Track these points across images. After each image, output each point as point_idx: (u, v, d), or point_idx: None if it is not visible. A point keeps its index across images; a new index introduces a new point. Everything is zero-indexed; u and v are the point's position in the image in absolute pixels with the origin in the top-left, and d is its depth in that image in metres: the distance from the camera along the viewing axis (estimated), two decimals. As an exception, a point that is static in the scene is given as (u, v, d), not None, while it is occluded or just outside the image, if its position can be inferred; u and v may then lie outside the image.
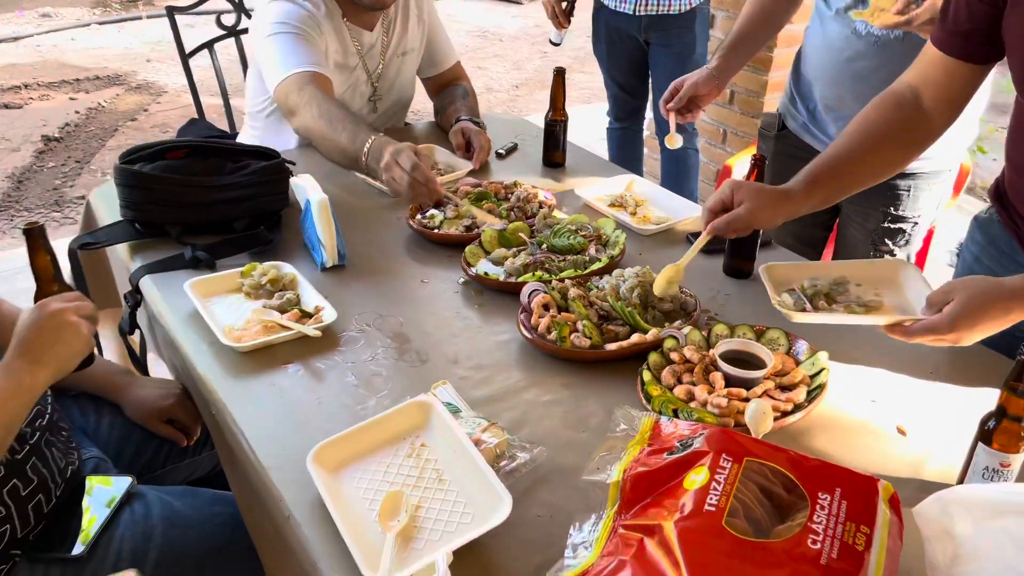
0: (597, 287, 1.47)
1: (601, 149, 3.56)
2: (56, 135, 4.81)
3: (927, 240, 2.91)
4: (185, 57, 2.41)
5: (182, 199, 1.62)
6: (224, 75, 2.51)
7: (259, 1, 1.94)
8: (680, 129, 3.22)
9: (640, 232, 1.74)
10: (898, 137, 1.34)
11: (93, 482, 1.34)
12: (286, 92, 1.82)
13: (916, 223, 1.86)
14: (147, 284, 1.53)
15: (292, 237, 1.68)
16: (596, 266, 1.54)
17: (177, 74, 2.51)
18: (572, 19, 3.17)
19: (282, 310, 1.42)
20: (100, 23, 6.79)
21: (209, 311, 1.41)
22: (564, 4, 3.11)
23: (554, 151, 2.06)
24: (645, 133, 3.53)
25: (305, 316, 1.40)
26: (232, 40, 2.49)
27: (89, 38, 6.52)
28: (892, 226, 1.86)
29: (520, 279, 1.50)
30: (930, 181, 1.82)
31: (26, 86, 5.50)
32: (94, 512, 1.29)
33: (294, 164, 1.82)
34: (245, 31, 2.49)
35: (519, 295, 1.42)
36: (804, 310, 1.31)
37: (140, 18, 6.92)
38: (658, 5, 2.99)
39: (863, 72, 1.70)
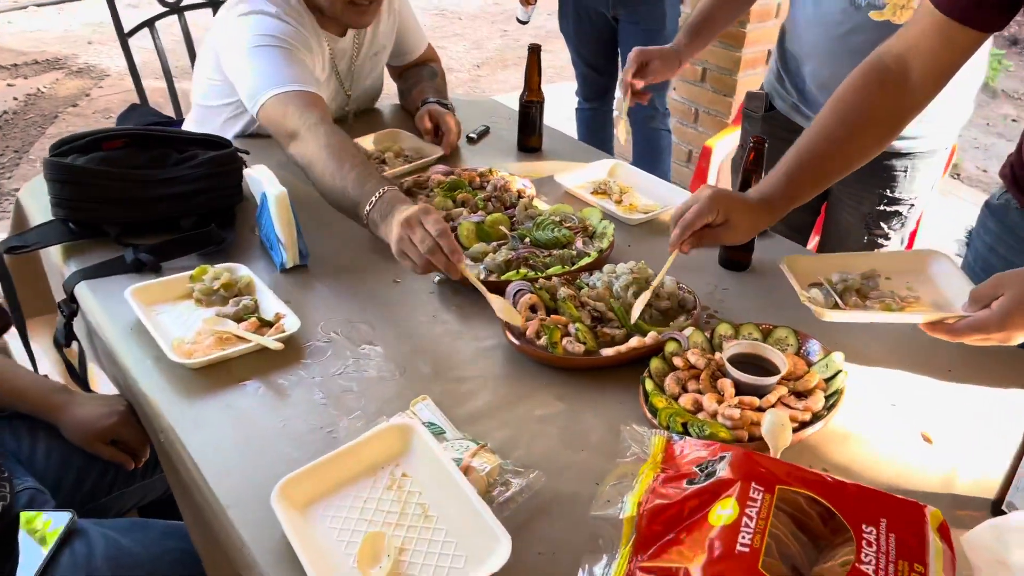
0: (588, 285, 1.34)
1: (570, 130, 3.43)
2: (-9, 123, 4.52)
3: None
4: (124, 37, 2.22)
5: (121, 195, 1.45)
6: (168, 57, 2.32)
7: (229, 10, 1.70)
8: (650, 108, 3.12)
9: (627, 222, 1.61)
10: (880, 120, 1.24)
11: (28, 518, 1.18)
12: (282, 112, 1.52)
13: (912, 204, 1.77)
14: (83, 291, 1.36)
15: (247, 235, 1.52)
16: (585, 261, 1.41)
17: (120, 56, 2.36)
18: None
19: (238, 318, 1.27)
20: (38, 5, 6.42)
21: (154, 321, 1.25)
22: None
23: (530, 135, 1.92)
24: (615, 113, 3.40)
25: (264, 325, 1.25)
26: (175, 18, 2.30)
27: (27, 21, 6.16)
28: (888, 209, 1.76)
29: (503, 277, 1.37)
30: (927, 160, 1.72)
31: (-42, 71, 5.18)
32: (29, 554, 1.14)
33: (248, 153, 1.66)
34: (190, 8, 2.31)
35: (502, 295, 1.29)
36: (836, 307, 1.20)
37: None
38: (628, -21, 2.86)
39: (862, 47, 1.57)
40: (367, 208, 1.35)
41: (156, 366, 1.19)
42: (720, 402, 1.08)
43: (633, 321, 1.24)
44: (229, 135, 1.89)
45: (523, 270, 1.38)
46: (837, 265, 1.30)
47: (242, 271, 1.37)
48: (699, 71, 3.39)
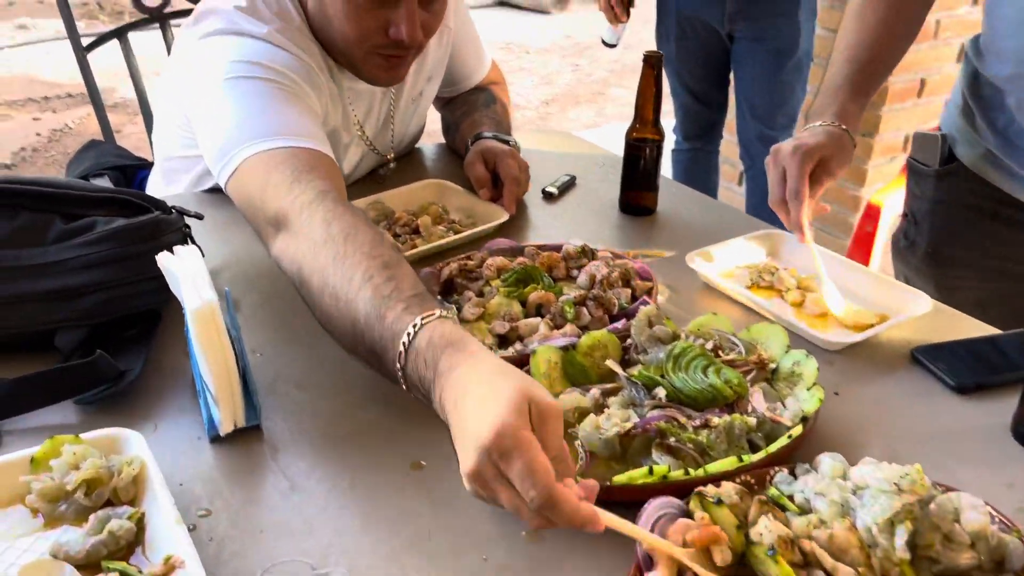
0: (793, 503, 0.67)
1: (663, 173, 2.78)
2: (7, 162, 4.10)
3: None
4: (82, 52, 1.67)
5: (-45, 294, 0.84)
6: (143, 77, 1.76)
7: (193, 27, 1.10)
8: (768, 146, 2.43)
9: (825, 346, 0.94)
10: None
11: None
12: (263, 182, 0.93)
13: None
14: None
15: (170, 365, 0.89)
16: (779, 445, 0.73)
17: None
18: (631, 11, 2.41)
19: (101, 558, 0.63)
20: (83, 36, 6.12)
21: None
22: None
23: (642, 189, 1.27)
24: (721, 157, 2.73)
25: (141, 587, 0.61)
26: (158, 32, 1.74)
27: (67, 52, 5.85)
28: None
29: (618, 480, 0.70)
30: None
31: (-16, 105, 4.83)
32: None
33: (200, 218, 1.04)
34: (176, 15, 1.74)
35: (623, 506, 0.62)
36: None
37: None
38: (750, -14, 2.21)
39: None
40: (398, 364, 0.71)
41: None
42: None
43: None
44: (201, 187, 1.29)
45: (661, 464, 0.71)
46: None
47: (133, 446, 0.73)
48: (829, 104, 2.70)
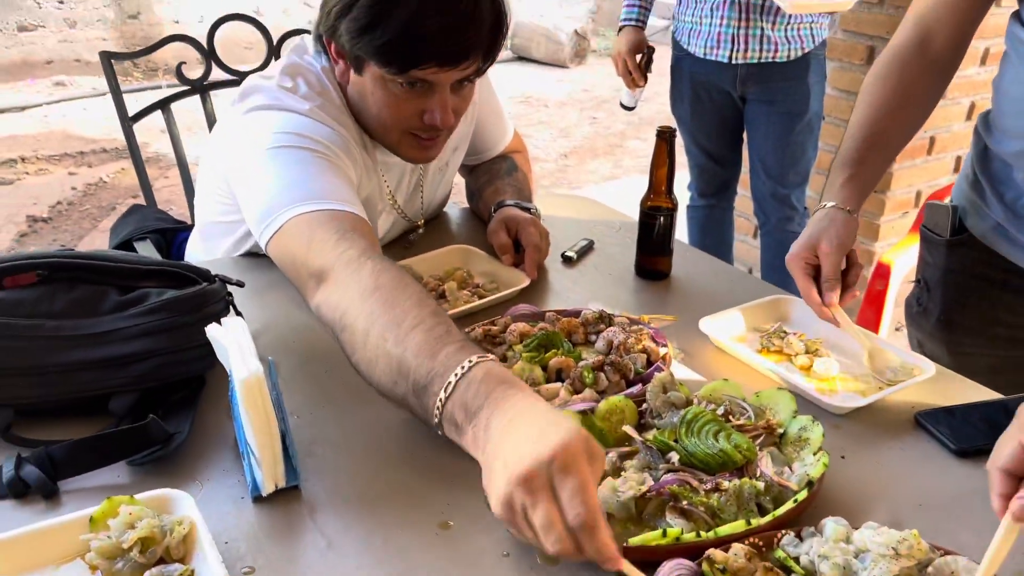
0: (798, 565, 0.71)
1: (679, 230, 2.84)
2: (45, 215, 4.24)
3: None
4: (128, 122, 1.76)
5: (20, 362, 0.91)
6: (184, 143, 1.86)
7: (239, 103, 1.19)
8: (787, 207, 2.50)
9: (831, 410, 0.98)
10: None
11: None
12: (307, 241, 0.99)
13: None
14: (-72, 530, 0.81)
15: (214, 427, 0.95)
16: (785, 508, 0.78)
17: (194, 144, 2.10)
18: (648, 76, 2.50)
19: (153, 615, 0.69)
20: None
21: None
22: (641, 57, 2.43)
23: (656, 254, 1.33)
24: (736, 212, 2.80)
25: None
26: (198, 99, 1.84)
27: (102, 108, 6.04)
28: None
29: (635, 541, 0.75)
30: None
31: (23, 159, 4.99)
32: None
33: (242, 286, 1.11)
34: (215, 86, 1.85)
35: (644, 568, 0.68)
36: None
37: (160, 87, 6.47)
38: (760, 51, 2.29)
39: None
40: (441, 396, 0.77)
41: None
42: None
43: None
44: (239, 251, 1.37)
45: (675, 527, 0.75)
46: None
47: (183, 507, 0.79)
48: (841, 161, 2.76)
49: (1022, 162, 1.12)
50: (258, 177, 1.10)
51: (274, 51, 1.85)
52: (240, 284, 1.11)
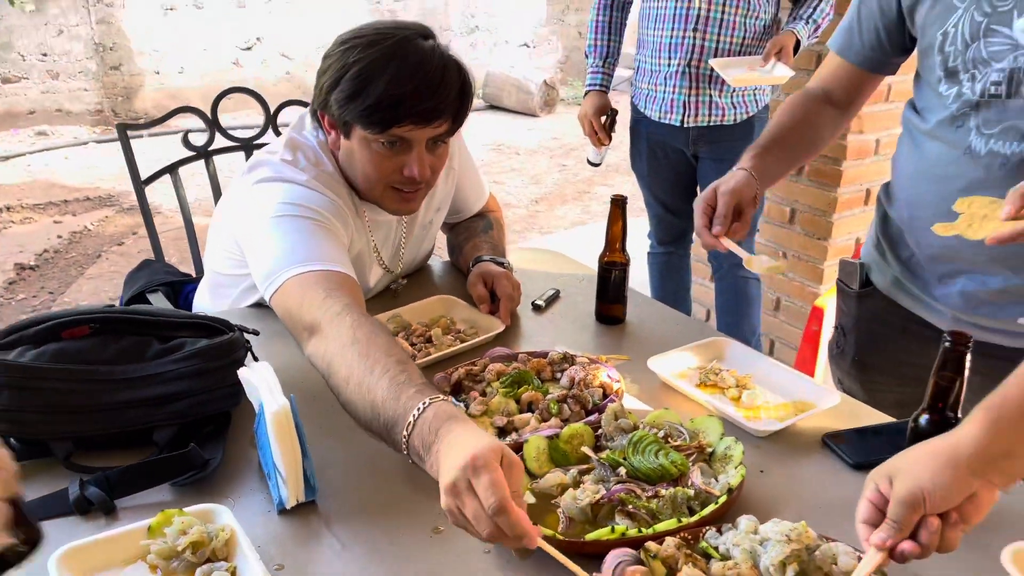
0: (718, 552, 0.91)
1: (639, 274, 3.06)
2: (32, 263, 4.37)
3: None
4: (140, 185, 1.95)
5: (79, 402, 1.09)
6: (190, 199, 2.05)
7: (248, 175, 1.39)
8: (736, 255, 2.73)
9: (756, 433, 1.19)
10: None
11: None
12: (300, 298, 1.19)
13: None
14: (7, 542, 0.98)
15: (240, 454, 1.13)
16: (710, 510, 0.98)
17: (168, 190, 2.23)
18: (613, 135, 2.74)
19: (206, 602, 0.86)
20: (98, 142, 6.50)
21: (84, 608, 0.85)
22: (605, 119, 2.67)
23: (611, 303, 1.54)
24: (693, 258, 3.03)
25: (240, 620, 0.84)
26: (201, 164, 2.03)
27: (85, 157, 6.21)
28: None
29: (590, 536, 0.94)
30: None
31: (8, 208, 5.12)
32: None
33: (257, 334, 1.30)
34: (219, 152, 2.04)
35: (592, 557, 0.86)
36: None
37: (142, 136, 6.64)
38: (709, 115, 2.55)
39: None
40: (404, 433, 0.96)
41: None
42: None
43: None
44: (246, 303, 1.55)
45: (621, 525, 0.95)
46: None
47: (223, 518, 0.97)
48: (788, 212, 3.02)
49: (912, 226, 1.34)
50: (263, 241, 1.30)
51: (271, 119, 2.06)
52: (256, 333, 1.30)
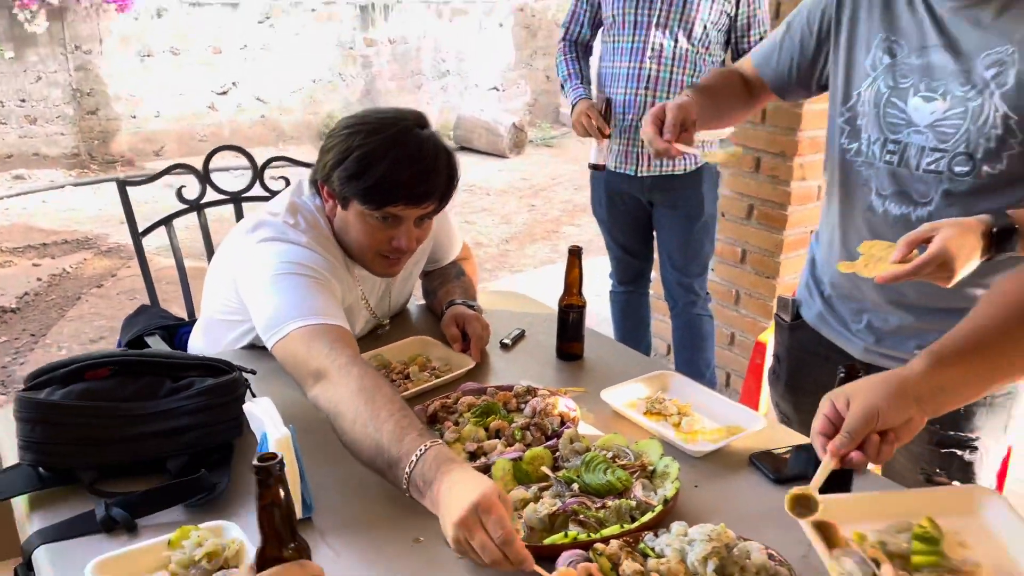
0: (654, 551, 1.09)
1: (603, 311, 3.27)
2: (13, 306, 4.47)
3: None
4: (137, 236, 2.11)
5: (103, 435, 1.24)
6: (184, 246, 2.21)
7: (249, 235, 1.55)
8: (691, 293, 2.94)
9: (691, 454, 1.37)
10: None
11: None
12: (307, 348, 1.34)
13: (975, 447, 1.46)
14: (42, 558, 1.13)
15: (244, 478, 1.29)
16: (648, 517, 1.16)
17: (153, 235, 2.30)
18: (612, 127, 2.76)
19: (222, 602, 1.02)
20: (75, 184, 6.62)
21: (118, 610, 1.00)
22: (601, 109, 2.74)
23: (570, 341, 1.72)
24: (652, 296, 3.24)
25: (252, 615, 1.00)
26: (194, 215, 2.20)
27: (61, 200, 6.32)
28: (942, 450, 1.48)
29: (548, 541, 1.11)
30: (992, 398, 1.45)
31: (-13, 252, 5.22)
32: None
33: (254, 373, 1.46)
34: (210, 204, 2.21)
35: (550, 559, 1.04)
36: None
37: (118, 179, 6.77)
38: (662, 166, 2.77)
39: None
40: (407, 470, 1.13)
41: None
42: None
43: None
44: (239, 346, 1.71)
45: (573, 531, 1.13)
46: (858, 511, 1.07)
47: (233, 532, 1.13)
48: (739, 252, 3.24)
49: (826, 272, 1.56)
50: (267, 294, 1.46)
51: (258, 175, 2.23)
52: (253, 372, 1.46)
